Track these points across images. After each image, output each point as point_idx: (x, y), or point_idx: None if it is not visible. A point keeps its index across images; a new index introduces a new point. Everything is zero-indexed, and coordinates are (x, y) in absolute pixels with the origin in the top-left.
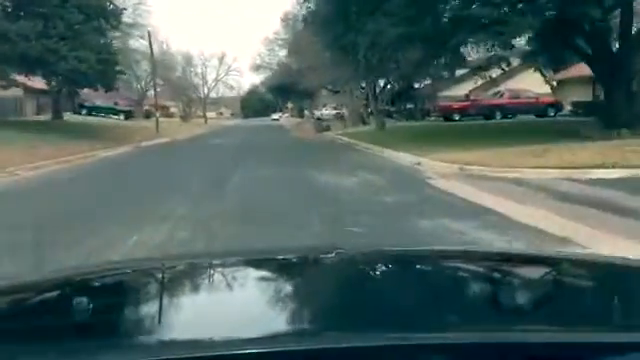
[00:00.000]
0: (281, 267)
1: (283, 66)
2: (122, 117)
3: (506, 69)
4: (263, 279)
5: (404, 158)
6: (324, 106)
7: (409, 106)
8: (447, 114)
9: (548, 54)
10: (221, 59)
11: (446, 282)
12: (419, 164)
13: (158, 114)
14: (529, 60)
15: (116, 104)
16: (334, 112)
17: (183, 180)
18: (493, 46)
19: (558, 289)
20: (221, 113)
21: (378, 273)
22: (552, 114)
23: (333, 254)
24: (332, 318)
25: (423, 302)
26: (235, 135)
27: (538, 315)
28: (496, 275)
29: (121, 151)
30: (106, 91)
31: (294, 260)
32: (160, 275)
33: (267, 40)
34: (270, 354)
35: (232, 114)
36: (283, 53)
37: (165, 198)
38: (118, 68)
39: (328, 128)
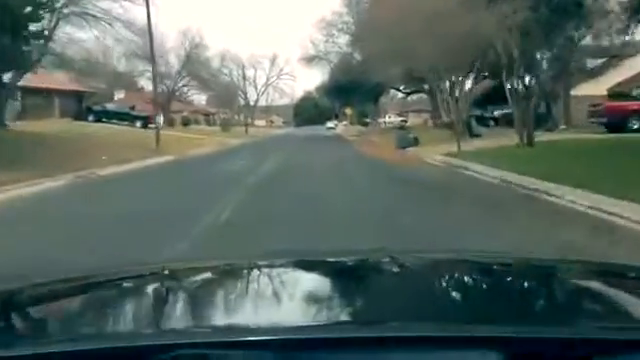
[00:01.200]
0: (331, 270)
1: (344, 58)
2: (139, 124)
3: None
4: (312, 279)
5: None
6: (386, 113)
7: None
8: (617, 121)
9: None
10: (272, 61)
11: (465, 284)
12: None
13: (162, 119)
14: None
15: (132, 108)
16: (399, 119)
17: None
18: None
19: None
20: (271, 121)
21: (419, 276)
22: None
23: (386, 259)
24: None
25: (452, 301)
26: (275, 151)
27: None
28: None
29: (19, 194)
30: (22, 75)
31: (348, 263)
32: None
33: (323, 22)
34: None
35: (284, 122)
36: (344, 40)
37: None
38: (35, 28)
39: (416, 142)
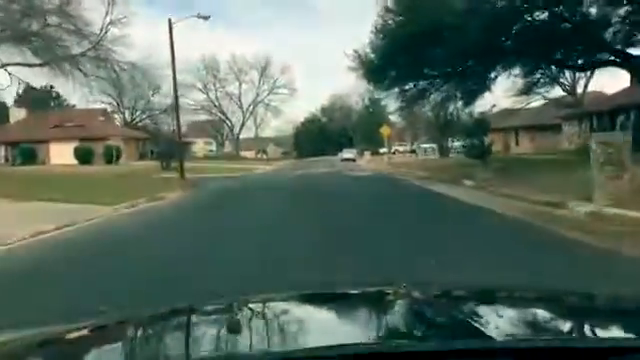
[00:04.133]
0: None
1: None
2: None
3: None
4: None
5: None
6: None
7: None
8: None
9: None
10: (263, 70)
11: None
12: None
13: None
14: None
15: None
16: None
17: None
18: None
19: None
20: (264, 151)
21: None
22: None
23: (400, 290)
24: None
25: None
26: None
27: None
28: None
29: None
30: None
31: (361, 295)
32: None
33: None
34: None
35: (284, 153)
36: None
37: None
38: None
39: None
